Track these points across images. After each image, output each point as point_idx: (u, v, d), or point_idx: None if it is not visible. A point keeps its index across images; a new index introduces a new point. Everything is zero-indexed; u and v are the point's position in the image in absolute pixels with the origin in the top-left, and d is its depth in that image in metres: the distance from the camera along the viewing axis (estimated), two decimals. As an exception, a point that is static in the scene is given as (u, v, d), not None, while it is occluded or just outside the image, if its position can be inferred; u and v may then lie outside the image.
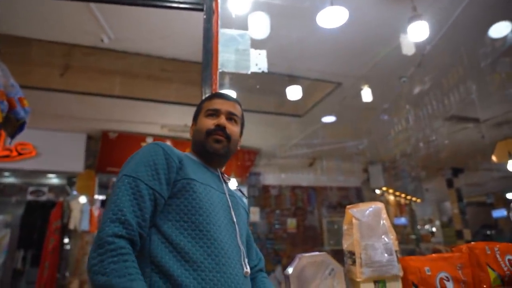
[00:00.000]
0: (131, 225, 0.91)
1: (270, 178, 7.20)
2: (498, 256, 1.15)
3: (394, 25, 3.19)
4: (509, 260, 1.15)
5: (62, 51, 3.64)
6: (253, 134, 5.46)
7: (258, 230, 6.82)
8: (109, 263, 0.84)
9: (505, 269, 1.14)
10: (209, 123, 1.18)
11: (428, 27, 2.93)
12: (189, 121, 1.30)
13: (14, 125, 1.13)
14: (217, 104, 1.22)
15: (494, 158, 5.86)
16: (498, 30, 3.38)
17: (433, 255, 1.15)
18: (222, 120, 1.18)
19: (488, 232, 9.66)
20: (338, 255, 1.16)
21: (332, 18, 2.80)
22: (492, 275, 1.11)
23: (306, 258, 1.07)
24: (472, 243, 1.18)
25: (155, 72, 4.02)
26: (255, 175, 6.93)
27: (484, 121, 5.01)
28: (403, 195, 8.63)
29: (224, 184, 1.20)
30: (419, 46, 3.33)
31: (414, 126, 4.94)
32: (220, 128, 1.17)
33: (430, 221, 10.81)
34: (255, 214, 6.55)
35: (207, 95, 1.59)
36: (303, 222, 7.44)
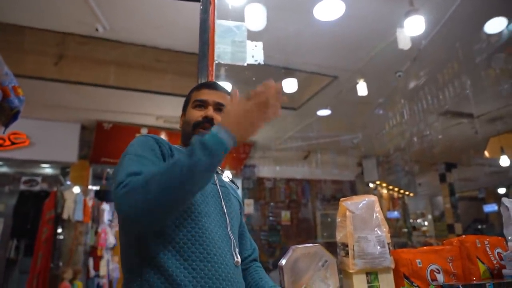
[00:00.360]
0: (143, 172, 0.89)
1: (265, 170, 7.21)
2: (488, 249, 1.17)
3: (390, 20, 3.19)
4: (498, 253, 1.17)
5: (56, 40, 3.60)
6: (248, 127, 5.43)
7: (252, 222, 6.86)
8: (133, 190, 0.83)
9: (494, 262, 1.16)
10: (196, 114, 1.16)
11: (425, 22, 2.93)
12: (184, 113, 1.28)
13: (8, 114, 1.12)
14: (205, 94, 1.19)
15: (486, 153, 5.93)
16: (494, 25, 3.40)
17: (425, 247, 1.17)
18: (210, 112, 1.16)
19: (479, 226, 9.81)
20: (331, 247, 1.17)
21: (329, 11, 2.80)
22: (482, 267, 1.13)
23: (300, 250, 1.08)
24: (463, 236, 1.20)
25: (149, 62, 3.99)
26: (249, 168, 6.93)
27: (477, 116, 5.04)
28: (396, 189, 8.69)
29: (215, 175, 1.19)
30: (415, 41, 3.33)
31: (409, 121, 4.96)
32: (208, 120, 1.15)
33: (422, 215, 10.94)
34: (249, 206, 6.58)
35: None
36: (297, 214, 7.48)
